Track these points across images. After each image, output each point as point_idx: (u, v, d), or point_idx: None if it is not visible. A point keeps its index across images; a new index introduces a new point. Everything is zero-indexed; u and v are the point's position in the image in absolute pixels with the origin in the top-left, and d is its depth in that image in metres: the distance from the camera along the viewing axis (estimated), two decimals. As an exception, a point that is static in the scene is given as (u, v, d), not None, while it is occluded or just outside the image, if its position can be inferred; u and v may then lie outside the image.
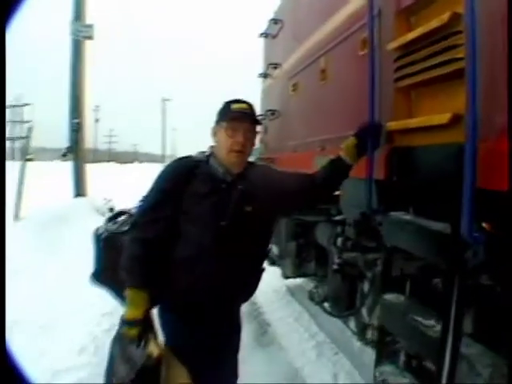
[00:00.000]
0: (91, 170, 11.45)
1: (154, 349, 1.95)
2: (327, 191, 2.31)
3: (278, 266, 5.16)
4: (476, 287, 1.79)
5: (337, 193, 3.00)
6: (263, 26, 5.51)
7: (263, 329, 4.38)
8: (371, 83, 2.24)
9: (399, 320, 2.09)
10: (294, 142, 4.14)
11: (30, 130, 9.89)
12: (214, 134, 2.13)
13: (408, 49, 2.03)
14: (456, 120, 1.69)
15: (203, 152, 2.15)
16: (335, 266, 3.38)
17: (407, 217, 2.08)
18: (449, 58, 1.72)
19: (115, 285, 2.14)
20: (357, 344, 3.62)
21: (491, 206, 1.55)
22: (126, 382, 1.90)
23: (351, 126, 2.58)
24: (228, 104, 2.09)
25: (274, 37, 5.12)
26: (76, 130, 10.29)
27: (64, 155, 10.71)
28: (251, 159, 2.24)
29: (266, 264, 2.25)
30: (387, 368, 2.29)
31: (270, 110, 5.08)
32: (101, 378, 2.04)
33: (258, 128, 2.16)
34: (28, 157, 9.65)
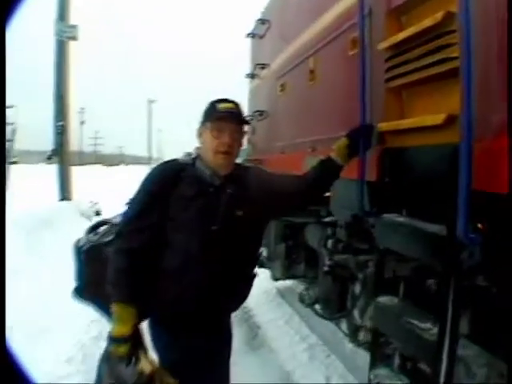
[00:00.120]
0: (77, 172, 11.36)
1: (145, 365, 1.84)
2: (318, 192, 2.27)
3: (268, 268, 5.12)
4: (472, 288, 1.78)
5: (327, 194, 2.98)
6: (250, 26, 5.48)
7: (254, 332, 4.35)
8: (362, 83, 2.21)
9: (394, 323, 2.06)
10: (283, 143, 4.10)
11: (13, 132, 9.79)
12: (200, 135, 2.05)
13: (400, 48, 2.01)
14: (450, 120, 1.66)
15: (189, 154, 2.08)
16: (326, 268, 3.36)
17: (401, 219, 2.05)
18: (443, 57, 1.70)
19: (100, 300, 2.04)
20: (349, 346, 3.59)
21: (487, 208, 1.53)
22: None
23: (342, 126, 2.56)
24: (213, 104, 2.02)
25: (262, 37, 5.09)
26: (61, 132, 10.21)
27: (49, 158, 10.64)
28: (238, 161, 2.18)
29: (256, 268, 2.17)
30: (382, 371, 2.27)
31: (257, 111, 5.05)
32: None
33: (245, 128, 2.09)
34: (12, 160, 9.53)
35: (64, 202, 10.16)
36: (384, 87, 2.15)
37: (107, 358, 1.86)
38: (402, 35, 1.96)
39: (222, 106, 1.98)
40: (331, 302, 3.52)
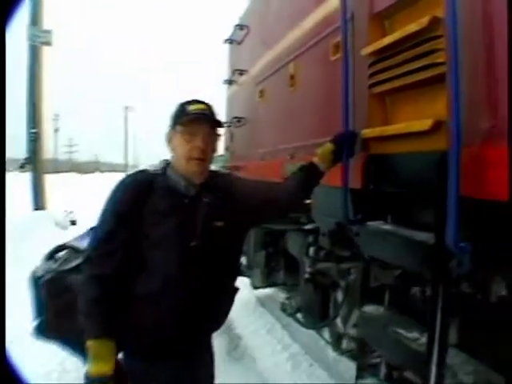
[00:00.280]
0: (51, 180, 11.13)
1: None
2: (299, 199, 2.20)
3: (247, 276, 5.06)
4: (459, 296, 1.76)
5: (307, 201, 2.94)
6: (228, 32, 5.43)
7: (235, 342, 4.26)
8: (345, 89, 2.18)
9: (380, 333, 2.03)
10: (262, 149, 4.06)
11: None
12: (169, 140, 1.86)
13: (384, 54, 1.98)
14: (437, 126, 1.64)
15: (167, 161, 1.90)
16: (307, 276, 3.32)
17: (386, 226, 2.02)
18: (428, 63, 1.68)
19: (69, 336, 1.85)
20: (332, 354, 3.57)
21: (481, 215, 1.51)
22: None
23: (323, 133, 2.53)
24: (183, 105, 1.83)
25: (240, 43, 5.05)
26: (34, 139, 10.00)
27: (22, 166, 10.41)
28: (215, 168, 2.08)
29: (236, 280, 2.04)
30: (368, 381, 2.25)
31: (235, 117, 5.00)
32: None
33: (220, 131, 1.91)
34: (-18, 168, 9.27)
35: (38, 212, 9.95)
36: (367, 93, 2.12)
37: None
38: (386, 40, 1.94)
39: (192, 107, 1.80)
40: (313, 310, 3.49)
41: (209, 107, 1.83)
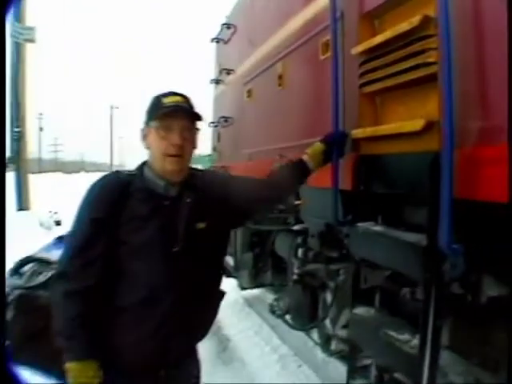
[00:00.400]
0: (35, 180, 10.98)
1: None
2: (285, 196, 2.17)
3: (234, 277, 5.03)
4: (451, 298, 1.74)
5: (297, 202, 2.92)
6: (215, 31, 5.39)
7: (223, 344, 4.22)
8: (335, 89, 2.16)
9: (372, 336, 2.01)
10: (250, 149, 4.03)
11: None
12: (144, 137, 1.71)
13: (375, 53, 1.96)
14: (429, 126, 1.62)
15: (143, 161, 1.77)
16: (295, 277, 3.30)
17: (377, 228, 2.00)
18: (419, 63, 1.66)
19: (42, 359, 1.72)
20: (320, 356, 3.55)
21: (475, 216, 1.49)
22: None
23: (312, 133, 2.51)
24: (158, 98, 1.68)
25: (227, 42, 5.01)
26: (18, 139, 9.85)
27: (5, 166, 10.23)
28: (199, 166, 1.96)
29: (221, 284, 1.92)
30: (359, 383, 2.23)
31: (223, 117, 4.96)
32: None
33: (199, 125, 1.74)
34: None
35: (22, 212, 9.81)
36: (358, 93, 2.10)
37: None
38: (377, 39, 1.91)
39: (168, 99, 1.65)
40: (302, 311, 3.47)
41: (186, 99, 1.69)
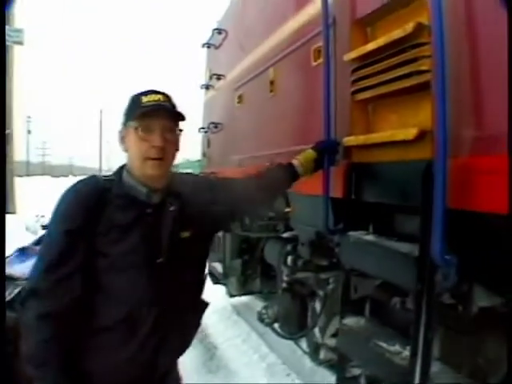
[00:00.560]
0: (22, 184, 10.87)
1: None
2: (272, 196, 2.13)
3: (223, 284, 4.99)
4: (441, 308, 1.72)
5: (287, 210, 2.89)
6: (206, 36, 5.37)
7: (211, 352, 4.17)
8: (326, 95, 2.14)
9: (362, 347, 1.98)
10: (240, 156, 3.99)
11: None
12: (122, 139, 1.57)
13: (367, 60, 1.94)
14: (421, 135, 1.60)
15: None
16: (284, 285, 3.27)
17: (368, 237, 1.98)
18: (413, 71, 1.64)
19: None
20: (309, 364, 3.52)
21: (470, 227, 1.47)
22: None
23: (303, 140, 2.49)
24: (137, 97, 1.54)
25: (218, 47, 4.99)
26: (4, 141, 9.72)
27: (-9, 169, 10.13)
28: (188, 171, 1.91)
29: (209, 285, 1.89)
30: (348, 393, 2.20)
31: (213, 123, 4.93)
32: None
33: (182, 126, 1.61)
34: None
35: (8, 216, 9.69)
36: (350, 100, 2.08)
37: None
38: (370, 46, 1.90)
39: (148, 98, 1.51)
40: (291, 320, 3.44)
41: (167, 98, 1.56)
